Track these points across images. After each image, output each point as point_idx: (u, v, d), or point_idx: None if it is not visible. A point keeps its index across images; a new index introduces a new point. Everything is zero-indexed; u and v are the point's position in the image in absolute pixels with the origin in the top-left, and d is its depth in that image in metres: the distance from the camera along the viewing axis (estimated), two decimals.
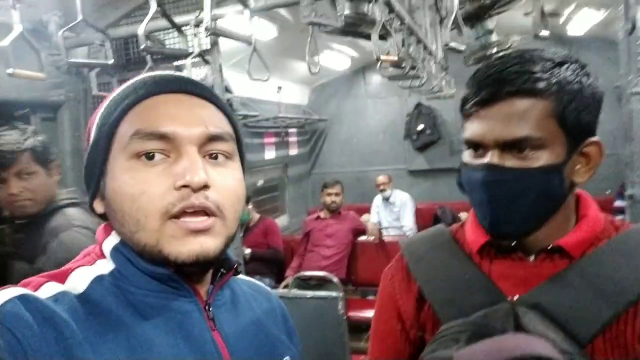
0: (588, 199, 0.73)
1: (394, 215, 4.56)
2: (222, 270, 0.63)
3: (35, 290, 0.52)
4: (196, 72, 2.13)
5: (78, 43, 2.24)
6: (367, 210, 4.78)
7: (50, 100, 2.25)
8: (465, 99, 0.69)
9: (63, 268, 0.57)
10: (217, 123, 0.59)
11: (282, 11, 3.32)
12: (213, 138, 0.57)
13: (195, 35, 2.03)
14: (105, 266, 0.57)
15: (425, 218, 4.79)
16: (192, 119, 0.56)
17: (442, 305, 0.72)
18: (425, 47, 2.41)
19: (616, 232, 0.70)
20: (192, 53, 2.04)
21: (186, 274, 0.58)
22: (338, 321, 2.72)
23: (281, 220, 5.12)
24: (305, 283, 3.30)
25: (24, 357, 0.45)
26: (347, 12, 2.16)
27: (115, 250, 0.58)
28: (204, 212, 0.55)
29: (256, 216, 3.81)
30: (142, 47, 1.73)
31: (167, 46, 2.29)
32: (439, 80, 3.20)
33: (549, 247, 0.68)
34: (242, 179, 0.61)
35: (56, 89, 2.25)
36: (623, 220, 0.75)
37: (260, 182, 4.84)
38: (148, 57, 2.11)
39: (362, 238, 3.82)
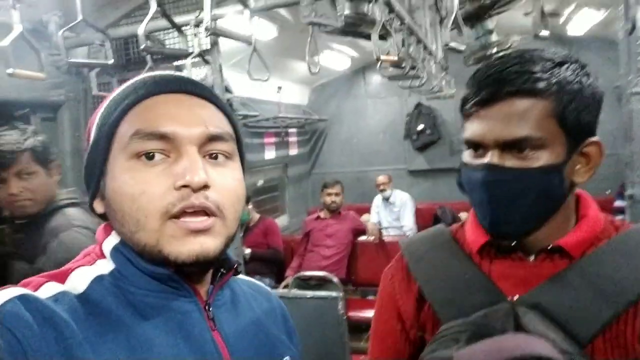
0: (588, 199, 0.73)
1: (394, 215, 4.56)
2: (222, 270, 0.63)
3: (35, 290, 0.52)
4: (196, 72, 2.13)
5: (78, 43, 2.24)
6: (367, 210, 4.78)
7: (50, 100, 2.25)
8: (465, 99, 0.69)
9: (63, 268, 0.57)
10: (217, 123, 0.59)
11: (282, 11, 3.32)
12: (213, 138, 0.57)
13: (195, 35, 2.03)
14: (105, 266, 0.57)
15: (425, 218, 4.79)
16: (192, 119, 0.56)
17: (442, 305, 0.72)
18: (425, 47, 2.41)
19: (616, 232, 0.70)
20: (191, 53, 2.04)
21: (186, 274, 0.58)
22: (338, 321, 2.72)
23: (281, 220, 5.12)
24: (305, 283, 3.30)
25: (24, 357, 0.45)
26: (347, 12, 2.16)
27: (115, 251, 0.58)
28: (204, 212, 0.55)
29: (256, 216, 3.81)
30: (142, 47, 1.73)
31: (167, 46, 2.29)
32: (439, 80, 3.20)
33: (549, 247, 0.68)
34: (242, 179, 0.61)
35: (56, 89, 2.25)
36: (623, 220, 0.75)
37: (260, 182, 4.84)
38: (148, 57, 2.11)
39: (362, 238, 3.82)
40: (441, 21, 2.58)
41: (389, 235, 4.25)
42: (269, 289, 0.78)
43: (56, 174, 1.53)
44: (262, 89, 4.20)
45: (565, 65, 0.65)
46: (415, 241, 0.82)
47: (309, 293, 2.89)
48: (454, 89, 3.71)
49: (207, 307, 0.60)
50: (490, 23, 2.98)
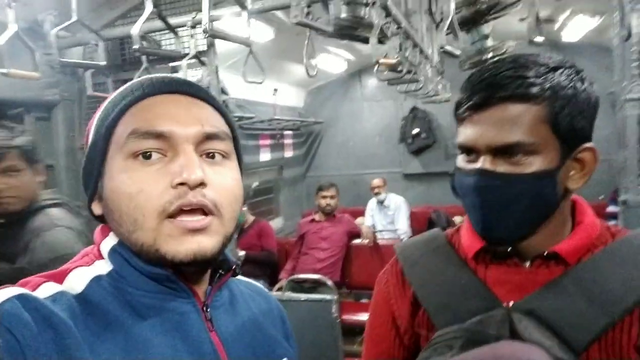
0: (584, 205, 0.73)
1: (388, 218, 4.57)
2: (220, 271, 0.63)
3: (34, 290, 0.52)
4: (192, 74, 2.13)
5: (73, 43, 2.23)
6: (362, 213, 4.78)
7: (45, 100, 2.23)
8: (459, 103, 0.69)
9: (61, 268, 0.57)
10: (214, 122, 0.59)
11: (279, 13, 3.32)
12: (209, 137, 0.57)
13: (191, 36, 2.03)
14: (103, 267, 0.57)
15: (420, 222, 4.80)
16: (188, 118, 0.57)
17: (437, 311, 0.71)
18: (421, 51, 2.42)
19: (612, 238, 0.70)
20: (186, 54, 2.04)
21: (184, 275, 0.58)
22: (332, 324, 2.71)
23: (275, 223, 5.11)
24: (299, 286, 3.29)
25: (22, 356, 0.45)
26: (343, 15, 2.17)
27: (113, 251, 0.58)
28: (201, 210, 0.55)
29: (250, 218, 3.80)
30: (135, 47, 1.73)
31: (164, 47, 2.28)
32: (435, 84, 3.21)
33: (544, 254, 0.68)
34: (240, 178, 0.61)
35: (51, 88, 2.24)
36: (619, 227, 0.75)
37: (255, 184, 4.83)
38: (143, 58, 2.11)
39: (357, 241, 3.82)
40: (437, 26, 2.59)
41: (383, 238, 4.25)
42: (267, 290, 0.78)
43: (41, 174, 1.53)
44: (258, 91, 4.19)
45: (560, 71, 0.65)
46: (410, 245, 0.82)
47: (303, 296, 2.88)
48: (449, 93, 3.72)
49: (205, 308, 0.60)
50: (486, 28, 3.00)
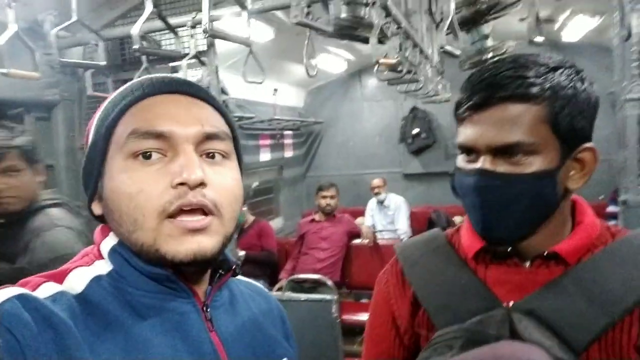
0: (584, 205, 0.73)
1: (388, 218, 4.57)
2: (220, 271, 0.63)
3: (34, 290, 0.52)
4: (192, 74, 2.13)
5: (73, 43, 2.23)
6: (362, 213, 4.78)
7: (45, 100, 2.23)
8: (459, 103, 0.69)
9: (61, 268, 0.57)
10: (214, 122, 0.59)
11: (279, 13, 3.32)
12: (209, 137, 0.57)
13: (191, 36, 2.03)
14: (104, 267, 0.57)
15: (420, 222, 4.80)
16: (188, 118, 0.57)
17: (437, 311, 0.71)
18: (421, 51, 2.42)
19: (612, 238, 0.69)
20: (186, 54, 2.04)
21: (184, 275, 0.58)
22: (332, 324, 2.71)
23: (275, 223, 5.11)
24: (299, 286, 3.29)
25: (22, 356, 0.45)
26: (343, 15, 2.17)
27: (113, 251, 0.58)
28: (201, 210, 0.55)
29: (250, 218, 3.80)
30: (135, 47, 1.73)
31: (164, 47, 2.28)
32: (435, 84, 3.21)
33: (545, 254, 0.68)
34: (240, 178, 0.61)
35: (51, 88, 2.24)
36: (619, 227, 0.75)
37: (255, 184, 4.83)
38: (143, 58, 2.11)
39: (357, 241, 3.82)
40: (437, 26, 2.59)
41: (383, 238, 4.25)
42: (267, 290, 0.78)
43: (41, 174, 1.53)
44: (258, 91, 4.19)
45: (560, 71, 0.64)
46: (410, 245, 0.82)
47: (303, 296, 2.88)
48: (449, 93, 3.72)
49: (205, 308, 0.60)
50: (486, 28, 3.00)
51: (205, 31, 1.67)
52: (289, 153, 5.55)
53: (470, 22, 2.71)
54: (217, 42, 2.10)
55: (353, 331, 3.21)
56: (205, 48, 2.17)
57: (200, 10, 2.00)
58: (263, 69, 1.97)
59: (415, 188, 5.71)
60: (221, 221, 0.56)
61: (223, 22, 1.95)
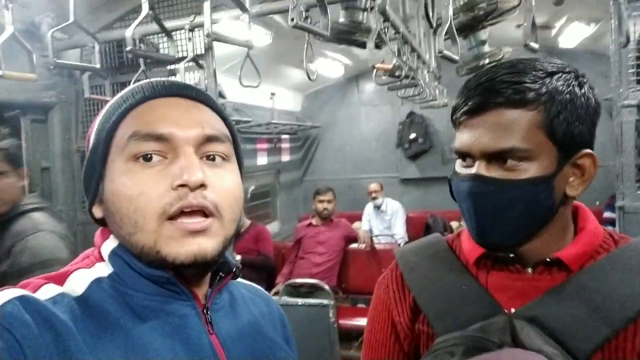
0: (587, 211, 0.72)
1: (385, 223, 4.56)
2: (220, 273, 0.63)
3: (34, 291, 0.52)
4: (189, 77, 2.13)
5: (70, 45, 2.22)
6: (359, 217, 4.78)
7: (41, 102, 2.22)
8: (456, 107, 0.68)
9: (62, 270, 0.57)
10: (214, 125, 0.59)
11: (277, 17, 3.33)
12: (209, 139, 0.58)
13: (189, 39, 2.03)
14: (104, 269, 0.58)
15: (417, 227, 4.80)
16: (188, 121, 0.57)
17: (437, 317, 0.71)
18: (418, 56, 2.43)
19: (615, 245, 0.69)
20: (181, 58, 2.03)
21: (185, 277, 0.58)
22: (329, 329, 2.70)
23: (272, 227, 5.10)
24: (296, 290, 3.28)
25: (23, 357, 0.45)
26: (341, 20, 2.17)
27: (114, 254, 0.58)
28: (202, 212, 0.55)
29: (247, 222, 3.78)
30: (128, 49, 1.72)
31: (161, 50, 2.28)
32: (432, 89, 3.22)
33: (547, 260, 0.67)
34: (240, 181, 0.61)
35: (47, 90, 2.23)
36: (620, 233, 0.74)
37: (252, 188, 4.82)
38: (141, 61, 2.10)
39: (354, 246, 3.81)
40: (435, 31, 2.60)
41: (380, 243, 4.25)
42: (267, 293, 0.77)
43: (25, 178, 1.52)
44: (256, 95, 4.19)
45: (557, 76, 0.64)
46: (410, 250, 0.81)
47: (300, 300, 2.88)
48: (446, 99, 3.74)
49: (205, 311, 0.60)
50: (483, 34, 3.01)
51: (208, 35, 1.67)
52: (286, 157, 5.55)
53: (468, 28, 2.72)
54: (215, 45, 2.10)
55: (350, 336, 3.20)
56: (202, 51, 2.16)
57: (198, 13, 2.00)
58: (259, 72, 1.96)
59: (412, 193, 5.72)
60: (221, 223, 0.57)
61: (220, 26, 1.95)
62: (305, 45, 1.76)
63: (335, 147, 6.01)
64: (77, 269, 0.57)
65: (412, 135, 5.55)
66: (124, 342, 0.52)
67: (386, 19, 1.82)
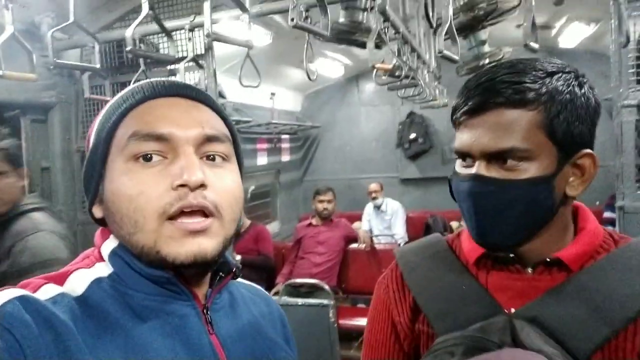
0: (587, 211, 0.72)
1: (385, 223, 4.56)
2: (220, 273, 0.63)
3: (35, 291, 0.52)
4: (189, 77, 2.13)
5: (70, 45, 2.22)
6: (359, 217, 4.78)
7: (42, 102, 2.22)
8: (456, 107, 0.68)
9: (62, 270, 0.57)
10: (214, 125, 0.59)
11: (277, 17, 3.33)
12: (210, 139, 0.58)
13: (189, 39, 2.03)
14: (104, 269, 0.58)
15: (417, 227, 4.80)
16: (188, 121, 0.57)
17: (437, 317, 0.71)
18: (419, 56, 2.43)
19: (615, 245, 0.69)
20: (181, 58, 2.03)
21: (185, 277, 0.58)
22: (329, 329, 2.70)
23: (272, 227, 5.10)
24: (296, 290, 3.28)
25: (23, 357, 0.45)
26: (341, 19, 2.17)
27: (114, 254, 0.58)
28: (202, 212, 0.55)
29: (247, 222, 3.78)
30: (127, 49, 1.72)
31: (162, 50, 2.28)
32: (432, 89, 3.22)
33: (547, 260, 0.67)
34: (240, 181, 0.61)
35: (47, 90, 2.23)
36: (620, 233, 0.74)
37: (251, 188, 4.82)
38: (141, 61, 2.10)
39: (354, 246, 3.81)
40: (435, 31, 2.60)
41: (380, 243, 4.25)
42: (267, 293, 0.77)
43: (25, 178, 1.52)
44: (256, 95, 4.19)
45: (557, 75, 0.64)
46: (410, 250, 0.81)
47: (300, 300, 2.88)
48: (446, 99, 3.74)
49: (205, 311, 0.60)
50: (483, 34, 3.01)
51: (208, 35, 1.67)
52: (286, 157, 5.55)
53: (468, 28, 2.72)
54: (215, 45, 2.10)
55: (350, 336, 3.20)
56: (202, 51, 2.16)
57: (198, 13, 2.00)
58: (259, 72, 1.96)
59: (412, 193, 5.72)
60: (221, 223, 0.57)
61: (220, 26, 1.95)
62: (305, 45, 1.76)
63: (335, 147, 6.01)
64: (77, 269, 0.57)
65: (412, 135, 5.55)
66: (124, 342, 0.52)
67: (386, 19, 1.82)
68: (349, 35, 2.26)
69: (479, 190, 0.65)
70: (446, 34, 1.81)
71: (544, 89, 0.62)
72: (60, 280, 0.55)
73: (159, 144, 0.55)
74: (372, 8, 1.84)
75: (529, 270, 0.69)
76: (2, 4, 1.55)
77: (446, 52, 1.69)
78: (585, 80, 0.66)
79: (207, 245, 0.55)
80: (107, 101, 0.62)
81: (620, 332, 0.61)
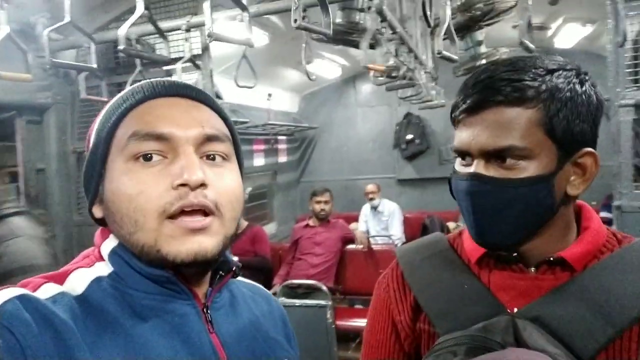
0: (590, 210, 0.72)
1: (382, 224, 4.56)
2: (220, 272, 0.63)
3: (34, 290, 0.52)
4: (187, 77, 2.12)
5: (66, 45, 2.21)
6: (355, 218, 4.77)
7: (37, 103, 2.21)
8: (455, 105, 0.68)
9: (62, 269, 0.57)
10: (214, 124, 0.59)
11: (274, 18, 3.32)
12: (210, 138, 0.58)
13: (186, 40, 2.02)
14: (104, 268, 0.58)
15: (414, 227, 4.80)
16: (188, 120, 0.57)
17: (439, 316, 0.70)
18: (416, 57, 2.43)
19: (619, 245, 0.68)
20: (175, 58, 2.03)
21: (185, 276, 0.58)
22: (326, 330, 2.70)
23: (269, 228, 5.09)
24: (293, 291, 3.27)
25: (23, 357, 0.45)
26: (338, 20, 2.17)
27: (114, 253, 0.58)
28: (202, 212, 0.55)
29: (244, 223, 3.77)
30: (120, 47, 1.71)
31: (158, 51, 2.27)
32: (428, 89, 3.22)
33: (550, 259, 0.67)
34: (240, 180, 0.61)
35: (43, 91, 2.22)
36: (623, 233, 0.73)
37: (248, 189, 4.81)
38: (137, 61, 2.09)
39: (351, 246, 3.81)
40: (432, 32, 2.60)
41: (377, 244, 4.25)
42: (268, 292, 0.77)
43: (3, 181, 1.51)
44: (252, 96, 4.19)
45: (557, 73, 0.63)
46: (411, 249, 0.81)
47: (297, 301, 2.87)
48: (444, 99, 3.74)
49: (205, 310, 0.60)
50: (480, 35, 3.02)
51: (209, 35, 1.66)
52: (282, 158, 5.55)
53: (465, 28, 2.72)
54: (211, 46, 2.10)
55: (347, 337, 3.20)
56: (199, 52, 2.16)
57: (195, 13, 2.00)
58: (255, 73, 1.96)
59: (408, 193, 5.73)
60: (222, 222, 0.57)
61: (217, 27, 1.95)
62: (304, 46, 1.76)
63: (332, 148, 6.01)
64: (77, 268, 0.57)
65: (409, 136, 5.56)
66: (124, 341, 0.52)
67: (383, 19, 1.82)
68: (346, 36, 2.26)
69: (477, 190, 0.65)
70: (444, 34, 1.82)
71: (543, 87, 0.62)
72: (60, 279, 0.55)
73: (159, 143, 0.55)
74: (369, 8, 1.84)
75: (532, 269, 0.68)
76: None
77: (445, 53, 1.69)
78: (586, 78, 0.65)
79: (207, 243, 0.55)
80: (103, 102, 0.62)
81: (625, 332, 0.61)
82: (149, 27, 1.99)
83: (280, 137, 5.37)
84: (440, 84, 3.85)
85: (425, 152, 5.59)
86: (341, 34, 2.20)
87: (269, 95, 4.68)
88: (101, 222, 0.61)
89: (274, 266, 3.83)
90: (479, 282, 0.70)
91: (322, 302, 2.79)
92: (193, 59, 2.07)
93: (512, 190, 0.63)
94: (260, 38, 3.62)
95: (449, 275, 0.73)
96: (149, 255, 0.54)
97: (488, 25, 2.73)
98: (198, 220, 0.54)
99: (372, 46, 2.11)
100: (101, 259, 0.59)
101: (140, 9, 1.68)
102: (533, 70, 0.63)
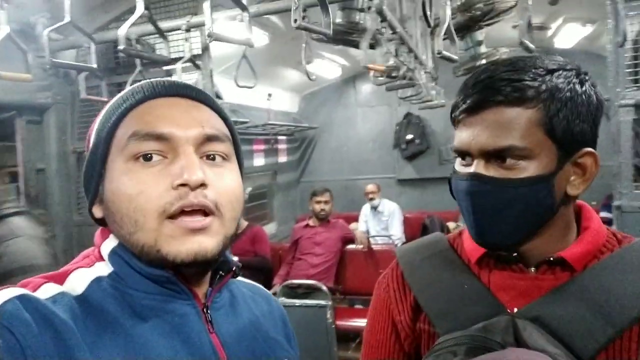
0: (590, 210, 0.72)
1: (382, 224, 4.56)
2: (220, 272, 0.63)
3: (34, 290, 0.52)
4: (186, 77, 2.12)
5: (66, 45, 2.21)
6: (355, 218, 4.77)
7: (37, 103, 2.21)
8: (455, 105, 0.68)
9: (62, 269, 0.57)
10: (214, 124, 0.59)
11: (274, 18, 3.32)
12: (210, 138, 0.58)
13: (186, 40, 2.02)
14: (104, 268, 0.58)
15: (414, 227, 4.81)
16: (188, 120, 0.57)
17: (439, 316, 0.70)
18: (416, 57, 2.43)
19: (619, 245, 0.68)
20: (175, 58, 2.03)
21: (185, 276, 0.58)
22: (326, 330, 2.70)
23: (269, 228, 5.09)
24: (294, 291, 3.27)
25: (23, 356, 0.45)
26: (338, 20, 2.17)
27: (114, 253, 0.58)
28: (202, 211, 0.55)
29: (244, 223, 3.77)
30: (120, 47, 1.71)
31: (158, 51, 2.27)
32: (429, 89, 3.22)
33: (550, 259, 0.67)
34: (240, 180, 0.62)
35: (43, 91, 2.22)
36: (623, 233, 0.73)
37: (248, 189, 4.81)
38: (137, 61, 2.09)
39: (351, 246, 3.81)
40: (432, 32, 2.60)
41: (377, 244, 4.25)
42: (268, 292, 0.77)
43: (3, 181, 1.51)
44: (252, 96, 4.19)
45: (557, 73, 0.63)
46: (411, 249, 0.81)
47: (297, 301, 2.87)
48: (444, 99, 3.74)
49: (205, 310, 0.60)
50: (480, 35, 3.02)
51: (210, 35, 1.67)
52: (282, 158, 5.55)
53: (465, 28, 2.72)
54: (211, 46, 2.10)
55: (347, 337, 3.20)
56: (199, 52, 2.16)
57: (195, 13, 1.99)
58: (255, 73, 1.96)
59: (408, 193, 5.73)
60: (222, 222, 0.57)
61: (216, 27, 1.95)
62: (304, 46, 1.76)
63: (332, 148, 6.01)
64: (77, 268, 0.57)
65: (409, 136, 5.56)
66: (124, 341, 0.52)
67: (383, 19, 1.82)
68: (346, 36, 2.26)
69: (477, 190, 0.65)
70: (444, 34, 1.82)
71: (543, 87, 0.62)
72: (60, 279, 0.55)
73: (159, 143, 0.55)
74: (369, 8, 1.84)
75: (532, 269, 0.68)
76: None
77: (445, 53, 1.69)
78: (587, 78, 0.65)
79: (207, 243, 0.55)
80: (103, 102, 0.62)
81: (625, 332, 0.61)
82: (149, 27, 1.99)
83: (280, 137, 5.37)
84: (440, 84, 3.85)
85: (425, 152, 5.59)
86: (341, 34, 2.20)
87: (269, 95, 4.68)
88: (101, 222, 0.61)
89: (274, 266, 3.83)
90: (479, 282, 0.70)
91: (322, 302, 2.79)
92: (193, 59, 2.07)
93: (512, 190, 0.63)
94: (260, 38, 3.62)
95: (449, 275, 0.73)
96: (149, 255, 0.54)
97: (488, 25, 2.73)
98: (198, 220, 0.54)
99: (372, 46, 2.11)
100: (101, 259, 0.59)
101: (140, 9, 1.68)
102: (533, 70, 0.63)
